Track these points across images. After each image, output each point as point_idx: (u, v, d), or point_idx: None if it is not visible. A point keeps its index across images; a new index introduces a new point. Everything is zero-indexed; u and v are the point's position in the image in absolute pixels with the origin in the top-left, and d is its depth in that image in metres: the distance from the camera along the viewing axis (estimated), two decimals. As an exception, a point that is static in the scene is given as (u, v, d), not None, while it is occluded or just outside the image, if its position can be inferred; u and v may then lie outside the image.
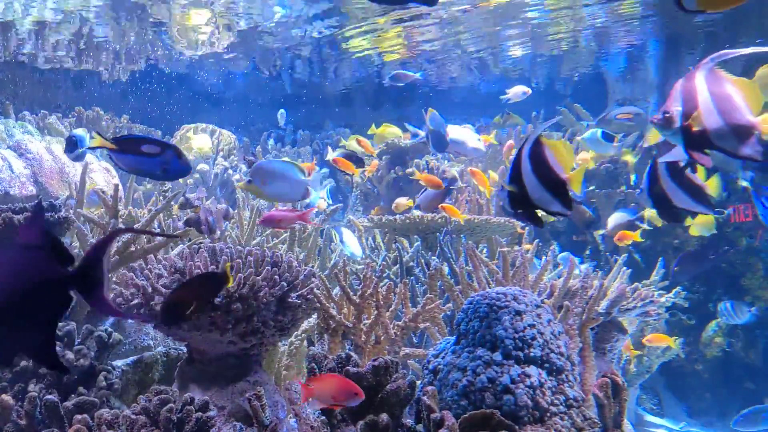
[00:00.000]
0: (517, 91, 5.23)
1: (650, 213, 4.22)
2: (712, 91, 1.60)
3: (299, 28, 6.83)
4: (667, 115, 1.64)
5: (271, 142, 7.97)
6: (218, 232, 2.89)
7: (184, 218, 2.83)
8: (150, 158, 2.19)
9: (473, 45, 7.59)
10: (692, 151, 1.67)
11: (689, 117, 1.61)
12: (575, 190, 1.69)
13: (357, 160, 4.19)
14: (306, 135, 8.71)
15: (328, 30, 6.79)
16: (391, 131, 5.29)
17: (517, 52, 7.83)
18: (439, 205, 3.68)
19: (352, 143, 5.69)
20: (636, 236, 4.10)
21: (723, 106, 1.59)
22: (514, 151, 4.42)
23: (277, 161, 3.46)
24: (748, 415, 3.92)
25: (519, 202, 1.74)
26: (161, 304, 1.72)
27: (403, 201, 3.92)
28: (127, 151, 2.18)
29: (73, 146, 3.61)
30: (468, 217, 3.59)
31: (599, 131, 4.59)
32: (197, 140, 6.21)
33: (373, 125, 5.32)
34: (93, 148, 2.21)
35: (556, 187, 1.69)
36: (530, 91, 5.27)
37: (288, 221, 2.63)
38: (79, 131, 3.79)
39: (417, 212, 3.87)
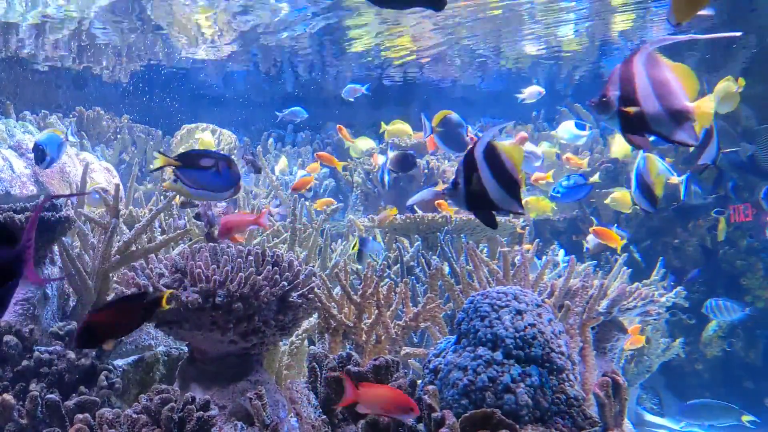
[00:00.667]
0: (532, 91, 5.23)
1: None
2: (650, 75, 1.59)
3: (300, 24, 6.84)
4: (605, 99, 1.63)
5: (270, 141, 7.97)
6: (217, 228, 2.89)
7: (195, 212, 2.84)
8: (209, 171, 2.20)
9: (476, 44, 7.59)
10: (629, 135, 1.67)
11: (627, 101, 1.61)
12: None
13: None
14: (306, 135, 8.72)
15: (328, 24, 6.79)
16: (400, 128, 5.28)
17: (531, 49, 7.82)
18: (436, 203, 3.68)
19: (358, 143, 5.71)
20: (617, 237, 4.04)
21: (660, 90, 1.58)
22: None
23: None
24: (695, 406, 3.91)
25: (478, 203, 1.77)
26: (78, 325, 1.62)
27: (387, 214, 3.86)
28: (190, 166, 2.17)
29: (41, 155, 3.46)
30: (465, 216, 3.59)
31: (572, 121, 4.63)
32: (205, 137, 6.23)
33: (382, 123, 5.33)
34: (157, 169, 2.21)
35: (513, 188, 1.73)
36: (544, 91, 5.26)
37: (243, 226, 2.57)
38: (45, 136, 3.67)
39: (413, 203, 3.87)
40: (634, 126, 1.63)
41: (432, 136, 3.53)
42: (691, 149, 3.26)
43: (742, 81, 3.53)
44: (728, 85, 3.51)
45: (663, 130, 1.60)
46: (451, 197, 1.82)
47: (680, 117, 1.58)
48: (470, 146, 1.79)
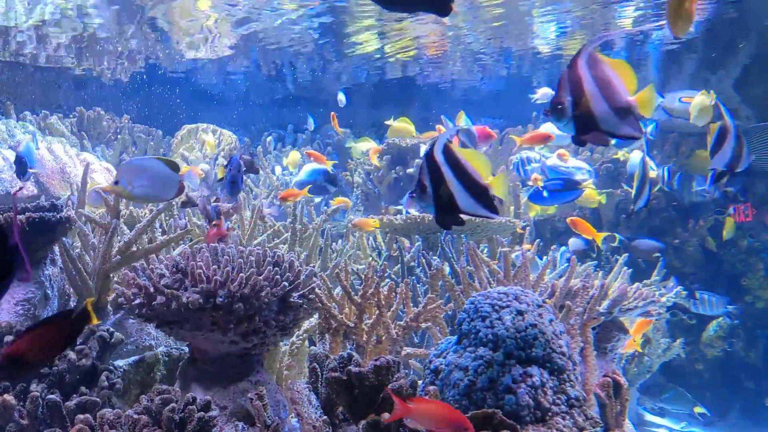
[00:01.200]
0: (544, 93, 5.38)
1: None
2: (594, 76, 1.61)
3: (300, 25, 6.84)
4: (560, 106, 1.65)
5: (269, 139, 7.97)
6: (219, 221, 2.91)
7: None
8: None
9: (476, 43, 7.60)
10: (583, 136, 1.69)
11: (578, 105, 1.63)
12: (499, 194, 1.75)
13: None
14: (306, 135, 8.72)
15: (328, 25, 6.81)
16: (405, 127, 5.26)
17: (531, 48, 7.84)
18: None
19: (359, 144, 5.71)
20: (592, 229, 4.03)
21: (605, 90, 1.61)
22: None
23: (144, 158, 3.31)
24: (654, 385, 3.89)
25: (446, 207, 1.77)
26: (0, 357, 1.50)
27: (368, 221, 3.79)
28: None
29: (23, 167, 3.38)
30: (465, 216, 3.59)
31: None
32: (209, 140, 6.24)
33: (392, 118, 5.33)
34: (222, 179, 2.46)
35: (480, 193, 1.74)
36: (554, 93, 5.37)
37: (212, 239, 2.62)
38: (25, 145, 3.58)
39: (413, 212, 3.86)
40: (587, 128, 1.65)
41: (457, 135, 3.57)
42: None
43: (713, 94, 3.81)
44: (703, 99, 3.79)
45: (610, 127, 1.64)
46: (419, 200, 1.79)
47: (624, 112, 1.61)
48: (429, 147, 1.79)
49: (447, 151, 1.74)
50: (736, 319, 4.81)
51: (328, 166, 4.74)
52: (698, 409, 4.22)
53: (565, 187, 3.94)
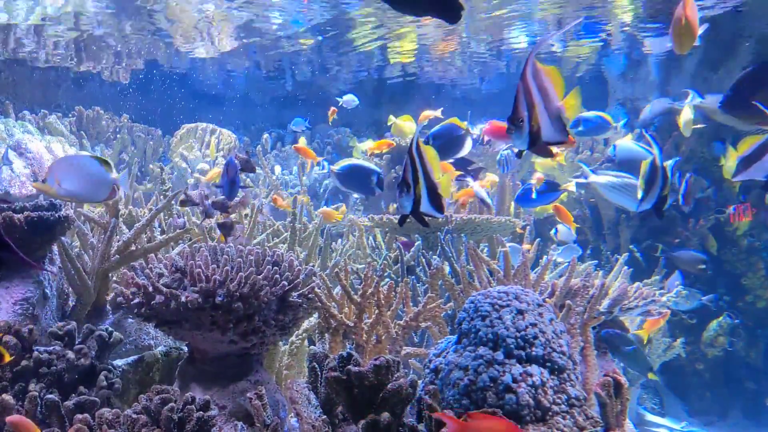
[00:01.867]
0: None
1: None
2: (538, 86, 1.61)
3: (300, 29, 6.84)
4: (521, 121, 1.62)
5: (266, 136, 7.96)
6: (215, 217, 2.90)
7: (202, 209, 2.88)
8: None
9: (476, 43, 7.59)
10: (536, 148, 1.68)
11: (532, 118, 1.62)
12: (444, 194, 1.75)
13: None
14: (306, 135, 8.72)
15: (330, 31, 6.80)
16: (409, 126, 5.23)
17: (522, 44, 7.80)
18: None
19: (360, 144, 5.70)
20: (571, 217, 4.14)
21: (545, 99, 1.60)
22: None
23: (77, 155, 3.18)
24: (616, 335, 3.86)
25: (417, 207, 1.76)
26: None
27: (332, 212, 3.72)
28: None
29: None
30: (465, 215, 3.59)
31: None
32: (212, 142, 6.26)
33: (391, 116, 5.30)
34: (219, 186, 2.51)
35: (434, 192, 1.74)
36: None
37: None
38: None
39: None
40: (536, 140, 1.63)
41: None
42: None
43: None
44: (688, 112, 4.08)
45: (548, 136, 1.62)
46: (406, 198, 1.77)
47: (557, 119, 1.61)
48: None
49: (418, 149, 1.74)
50: (737, 319, 4.81)
51: (317, 161, 4.71)
52: (652, 376, 4.19)
53: (549, 188, 3.97)
